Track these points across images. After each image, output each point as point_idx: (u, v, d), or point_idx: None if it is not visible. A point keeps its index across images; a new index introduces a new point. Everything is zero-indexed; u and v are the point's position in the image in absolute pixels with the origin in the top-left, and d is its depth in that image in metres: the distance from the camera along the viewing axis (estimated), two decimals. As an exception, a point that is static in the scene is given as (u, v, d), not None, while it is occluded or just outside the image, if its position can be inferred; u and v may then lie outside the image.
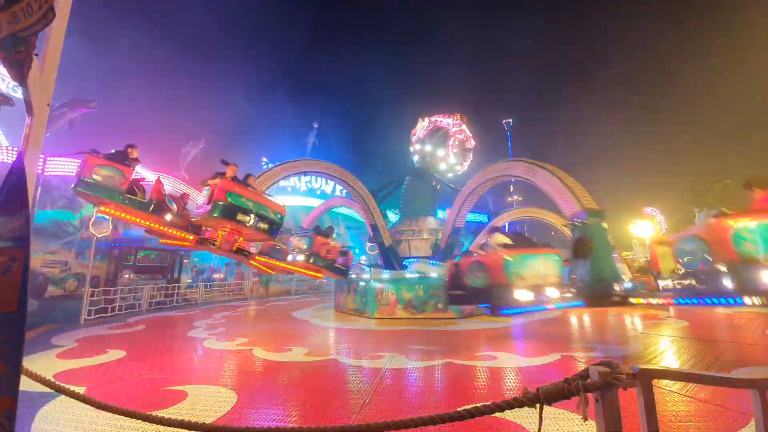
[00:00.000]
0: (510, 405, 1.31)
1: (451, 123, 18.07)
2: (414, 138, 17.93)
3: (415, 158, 18.08)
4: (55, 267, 14.42)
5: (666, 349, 5.97)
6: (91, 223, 11.43)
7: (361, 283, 11.40)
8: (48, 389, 2.30)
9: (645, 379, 1.32)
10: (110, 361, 5.84)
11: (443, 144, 17.52)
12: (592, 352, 5.79)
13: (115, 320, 10.70)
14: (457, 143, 17.74)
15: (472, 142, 18.03)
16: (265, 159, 27.82)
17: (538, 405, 1.31)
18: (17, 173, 1.88)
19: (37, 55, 2.02)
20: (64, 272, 13.99)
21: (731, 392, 3.55)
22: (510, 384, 4.41)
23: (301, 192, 28.16)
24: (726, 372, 4.08)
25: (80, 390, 3.12)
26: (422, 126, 17.93)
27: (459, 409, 1.39)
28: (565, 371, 4.85)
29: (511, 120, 39.10)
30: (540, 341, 6.83)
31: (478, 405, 1.35)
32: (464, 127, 17.91)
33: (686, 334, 7.06)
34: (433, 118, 18.16)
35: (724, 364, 4.90)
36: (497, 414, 1.42)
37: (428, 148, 17.46)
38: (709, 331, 7.32)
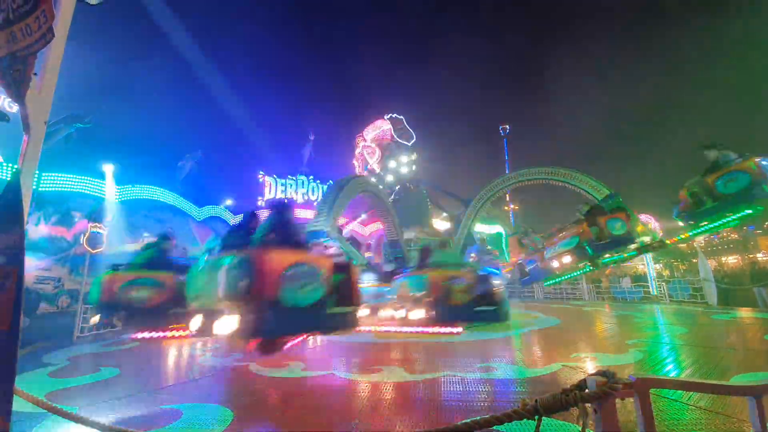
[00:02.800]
0: (509, 417, 1.31)
1: (387, 128, 18.24)
2: (367, 167, 18.17)
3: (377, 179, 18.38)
4: (48, 283, 14.19)
5: (666, 356, 5.95)
6: (85, 238, 11.35)
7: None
8: (40, 409, 2.25)
9: (642, 388, 1.33)
10: (104, 379, 5.72)
11: (395, 156, 17.92)
12: (593, 361, 5.76)
13: (109, 337, 10.52)
14: (401, 145, 18.12)
15: (413, 135, 18.41)
16: (261, 172, 27.85)
17: (536, 417, 1.31)
18: (13, 191, 1.88)
19: (35, 74, 2.05)
20: (57, 289, 13.78)
21: (733, 400, 3.54)
22: (511, 396, 4.37)
23: (298, 204, 28.12)
24: (725, 379, 4.07)
25: (73, 410, 3.05)
26: (365, 150, 18.16)
27: (458, 423, 1.38)
28: (565, 381, 4.82)
29: (508, 126, 37.74)
30: (540, 351, 6.79)
31: (477, 418, 1.34)
32: (399, 127, 18.28)
33: (685, 340, 7.06)
34: (368, 135, 18.29)
35: (723, 370, 4.88)
36: (496, 427, 1.42)
37: (380, 173, 17.76)
38: (708, 337, 7.32)
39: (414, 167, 18.50)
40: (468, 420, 1.36)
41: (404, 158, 18.35)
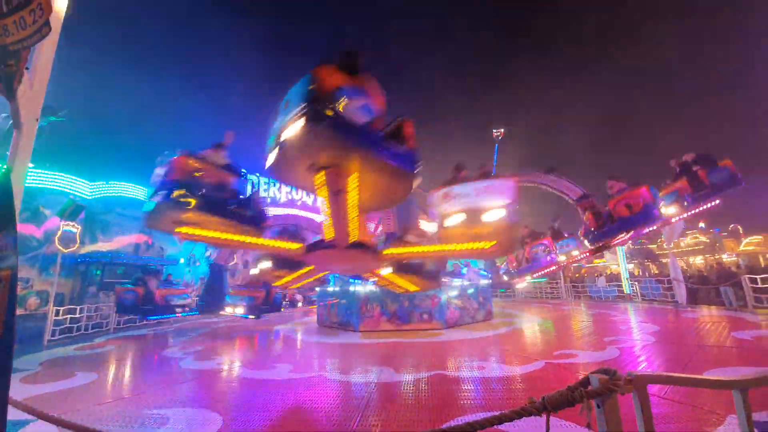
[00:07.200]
0: (519, 414, 1.36)
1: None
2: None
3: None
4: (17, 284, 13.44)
5: (642, 354, 6.22)
6: (57, 237, 10.85)
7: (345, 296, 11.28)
8: (20, 415, 2.15)
9: (640, 384, 1.41)
10: (81, 384, 5.50)
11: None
12: (572, 359, 5.96)
13: (81, 340, 10.10)
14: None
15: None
16: (243, 170, 27.28)
17: (544, 413, 1.37)
18: (3, 191, 1.80)
19: (27, 68, 1.96)
20: (25, 290, 13.10)
21: (706, 393, 3.75)
22: (502, 393, 4.42)
23: (280, 203, 27.72)
24: (699, 374, 4.25)
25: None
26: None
27: (470, 420, 1.42)
28: (552, 378, 4.97)
29: (503, 129, 31.95)
30: (521, 349, 6.97)
31: (488, 416, 1.39)
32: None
33: (658, 338, 7.39)
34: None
35: (696, 366, 5.12)
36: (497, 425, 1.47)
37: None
38: (678, 335, 7.69)
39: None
40: (479, 418, 1.41)
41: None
